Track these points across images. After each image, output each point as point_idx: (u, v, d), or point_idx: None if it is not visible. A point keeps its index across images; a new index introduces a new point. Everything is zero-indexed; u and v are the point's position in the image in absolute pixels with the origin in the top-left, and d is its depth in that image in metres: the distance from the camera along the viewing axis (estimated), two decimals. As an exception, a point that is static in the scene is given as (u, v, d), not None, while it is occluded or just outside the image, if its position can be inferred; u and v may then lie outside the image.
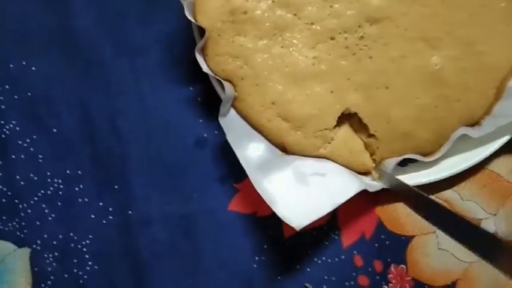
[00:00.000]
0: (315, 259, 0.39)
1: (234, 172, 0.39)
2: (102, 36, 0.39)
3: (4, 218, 0.40)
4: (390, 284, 0.39)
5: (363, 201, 0.38)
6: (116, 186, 0.39)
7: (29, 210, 0.39)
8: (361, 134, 0.36)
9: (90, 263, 0.39)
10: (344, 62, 0.34)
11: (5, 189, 0.40)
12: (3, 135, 0.39)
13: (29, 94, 0.39)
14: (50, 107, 0.39)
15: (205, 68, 0.34)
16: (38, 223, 0.39)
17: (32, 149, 0.39)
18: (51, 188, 0.39)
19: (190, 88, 0.39)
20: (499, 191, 0.39)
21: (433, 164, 0.37)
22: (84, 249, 0.39)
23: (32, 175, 0.39)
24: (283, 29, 0.34)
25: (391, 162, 0.35)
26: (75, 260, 0.39)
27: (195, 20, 0.33)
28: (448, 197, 0.39)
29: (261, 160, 0.34)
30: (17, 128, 0.39)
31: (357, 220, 0.39)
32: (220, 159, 0.39)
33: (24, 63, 0.39)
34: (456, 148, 0.36)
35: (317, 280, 0.39)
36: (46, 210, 0.39)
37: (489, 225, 0.39)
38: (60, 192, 0.39)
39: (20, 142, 0.39)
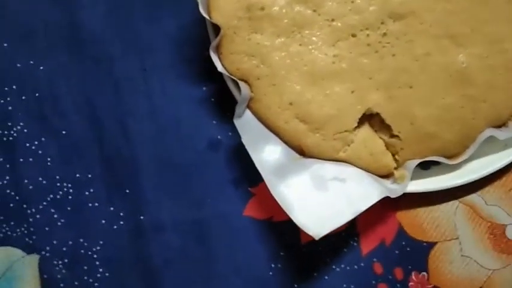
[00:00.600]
0: (333, 266, 0.38)
1: (249, 175, 0.38)
2: (110, 32, 0.38)
3: (12, 223, 0.39)
4: (411, 293, 0.38)
5: (383, 206, 0.37)
6: (127, 191, 0.39)
7: (38, 216, 0.39)
8: (383, 134, 0.35)
9: (100, 269, 0.39)
10: (366, 60, 0.34)
11: (12, 193, 0.39)
12: (10, 138, 0.39)
13: (37, 95, 0.39)
14: (58, 107, 0.39)
15: (220, 68, 0.33)
16: (47, 229, 0.39)
17: (40, 152, 0.39)
18: (61, 192, 0.39)
19: (203, 88, 0.39)
20: (526, 196, 0.38)
21: (457, 167, 0.36)
22: (95, 256, 0.39)
23: (40, 179, 0.39)
24: (302, 26, 0.33)
25: (412, 164, 0.35)
26: (85, 267, 0.39)
27: (210, 17, 0.33)
28: (472, 202, 0.38)
29: (277, 164, 0.34)
30: (25, 130, 0.39)
31: (376, 226, 0.38)
32: (235, 162, 0.38)
33: (31, 62, 0.39)
34: (481, 150, 0.35)
35: (335, 288, 0.39)
36: (55, 215, 0.39)
37: (515, 231, 0.38)
38: (70, 197, 0.39)
39: (28, 145, 0.39)
